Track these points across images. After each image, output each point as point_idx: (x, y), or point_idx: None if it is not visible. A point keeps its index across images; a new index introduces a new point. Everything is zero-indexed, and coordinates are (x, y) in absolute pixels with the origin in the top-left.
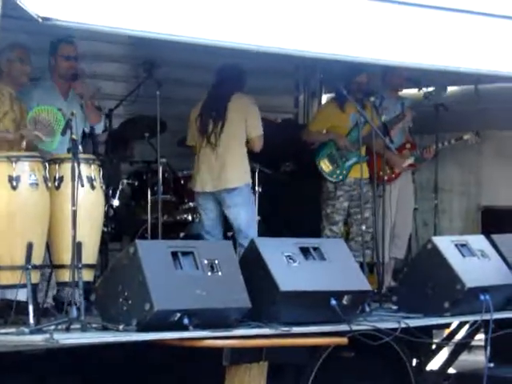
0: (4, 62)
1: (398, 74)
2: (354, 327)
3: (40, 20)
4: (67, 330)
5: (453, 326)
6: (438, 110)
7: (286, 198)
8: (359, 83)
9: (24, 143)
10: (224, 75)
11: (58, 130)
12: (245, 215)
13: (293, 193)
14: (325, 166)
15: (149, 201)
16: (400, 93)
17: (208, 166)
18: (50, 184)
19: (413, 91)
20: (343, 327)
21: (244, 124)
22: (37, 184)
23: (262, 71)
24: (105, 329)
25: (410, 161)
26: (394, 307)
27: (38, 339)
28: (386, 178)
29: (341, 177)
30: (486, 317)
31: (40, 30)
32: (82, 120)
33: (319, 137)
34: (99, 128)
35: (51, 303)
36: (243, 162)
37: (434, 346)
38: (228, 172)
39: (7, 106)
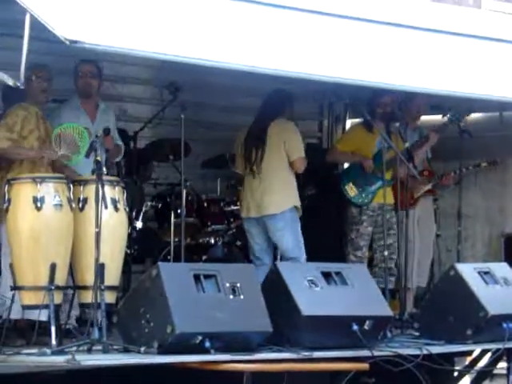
0: (26, 81)
1: (415, 103)
2: (376, 353)
3: (67, 43)
4: (89, 351)
5: (475, 354)
6: (462, 137)
7: (308, 223)
8: (383, 104)
9: (45, 162)
10: (266, 101)
11: (82, 147)
12: (289, 238)
13: (316, 217)
14: (350, 190)
15: (172, 223)
16: (420, 122)
17: (251, 192)
18: (74, 205)
19: (437, 118)
20: (365, 353)
21: (284, 148)
22: (61, 205)
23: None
24: (126, 351)
25: (428, 187)
26: (416, 333)
27: (60, 360)
28: (407, 204)
29: (366, 200)
30: (509, 345)
31: (66, 52)
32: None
33: (345, 157)
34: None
35: (73, 324)
36: (286, 186)
37: (455, 374)
38: (269, 198)
39: (33, 124)
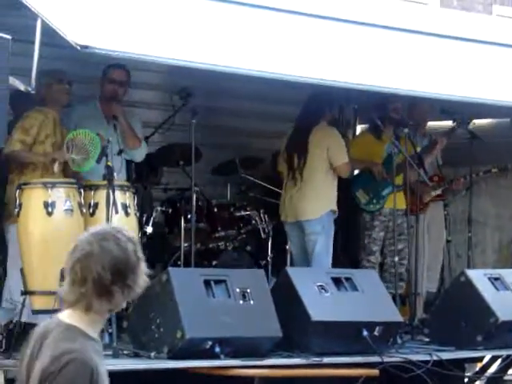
0: (43, 87)
1: (423, 110)
2: (386, 359)
3: (78, 48)
4: None
5: (485, 360)
6: (472, 143)
7: None
8: (394, 110)
9: (56, 166)
10: (305, 106)
11: (93, 154)
12: (321, 243)
13: None
14: (361, 196)
15: (182, 228)
16: (432, 125)
17: (290, 196)
18: (84, 210)
19: (445, 123)
20: (375, 358)
21: (326, 154)
22: (72, 210)
23: (296, 100)
24: (136, 356)
25: (437, 192)
26: (426, 339)
27: None
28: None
29: (377, 206)
30: None
31: (77, 58)
32: (116, 143)
33: (355, 164)
34: (140, 156)
35: None
36: (324, 191)
37: (466, 380)
38: (306, 203)
39: (50, 129)
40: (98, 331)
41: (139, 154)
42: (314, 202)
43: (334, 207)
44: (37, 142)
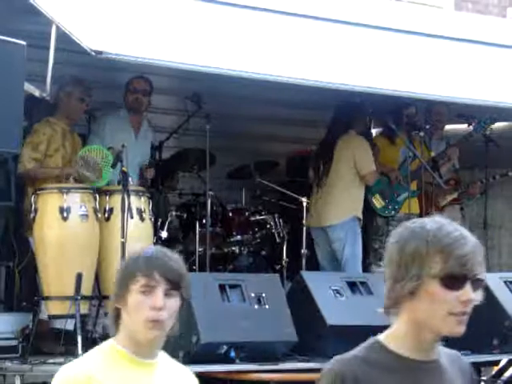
0: (63, 95)
1: (440, 113)
2: None
3: (93, 53)
4: None
5: (502, 363)
6: (487, 146)
7: None
8: (408, 116)
9: (71, 180)
10: (335, 114)
11: (106, 171)
12: (348, 249)
13: None
14: (377, 201)
15: (197, 233)
16: (449, 128)
17: (315, 202)
18: (99, 215)
19: (462, 126)
20: None
21: (352, 162)
22: (87, 215)
23: (309, 105)
24: None
25: (453, 196)
26: (441, 343)
27: None
28: (428, 212)
29: (393, 212)
30: None
31: (92, 63)
32: (145, 155)
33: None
34: None
35: (100, 333)
36: (348, 198)
37: None
38: (329, 209)
39: (58, 143)
40: None
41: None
42: (336, 208)
43: (358, 214)
44: (46, 156)
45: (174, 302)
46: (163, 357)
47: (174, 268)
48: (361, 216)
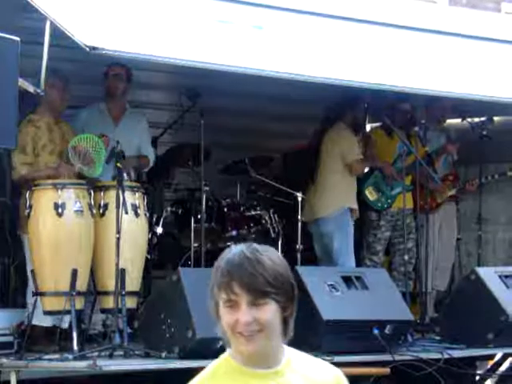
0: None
1: (440, 106)
2: (397, 357)
3: (88, 49)
4: (110, 356)
5: (497, 358)
6: (482, 141)
7: None
8: (403, 112)
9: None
10: (326, 107)
11: (98, 159)
12: (337, 241)
13: None
14: (370, 194)
15: (192, 229)
16: (445, 124)
17: (309, 196)
18: (94, 211)
19: (458, 121)
20: (386, 357)
21: (339, 154)
22: (82, 211)
23: (306, 100)
24: (147, 356)
25: (452, 192)
26: (437, 337)
27: (82, 365)
28: (426, 207)
29: (385, 205)
30: None
31: (86, 59)
32: (131, 147)
33: (366, 162)
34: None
35: (99, 329)
36: (337, 190)
37: (477, 378)
38: (320, 202)
39: (44, 138)
40: None
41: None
42: (326, 201)
43: (351, 205)
44: (35, 155)
45: (268, 311)
46: (297, 360)
47: (257, 275)
48: (355, 206)
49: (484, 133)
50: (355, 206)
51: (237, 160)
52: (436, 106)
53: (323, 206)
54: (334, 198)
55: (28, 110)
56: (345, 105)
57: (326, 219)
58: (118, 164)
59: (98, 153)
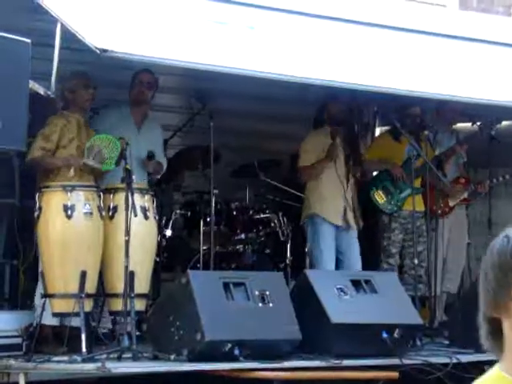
0: (67, 91)
1: (451, 108)
2: (406, 361)
3: (98, 52)
4: (119, 358)
5: None
6: (491, 144)
7: None
8: (413, 116)
9: (72, 171)
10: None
11: (112, 157)
12: (310, 250)
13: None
14: (379, 197)
15: (201, 231)
16: (455, 127)
17: None
18: (103, 213)
19: (467, 125)
20: (394, 361)
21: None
22: (91, 213)
23: (315, 102)
24: (156, 358)
25: (464, 195)
26: (446, 342)
27: (90, 367)
28: (439, 211)
29: (395, 208)
30: None
31: (97, 62)
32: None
33: (374, 165)
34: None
35: (108, 330)
36: (307, 196)
37: None
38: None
39: (74, 132)
40: None
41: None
42: (303, 206)
43: (319, 212)
44: (60, 146)
45: None
46: None
47: None
48: (325, 215)
49: (493, 133)
50: (326, 215)
51: (246, 163)
52: (447, 109)
53: (303, 211)
54: (306, 204)
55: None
56: (322, 106)
57: (303, 225)
58: (127, 166)
59: (110, 152)
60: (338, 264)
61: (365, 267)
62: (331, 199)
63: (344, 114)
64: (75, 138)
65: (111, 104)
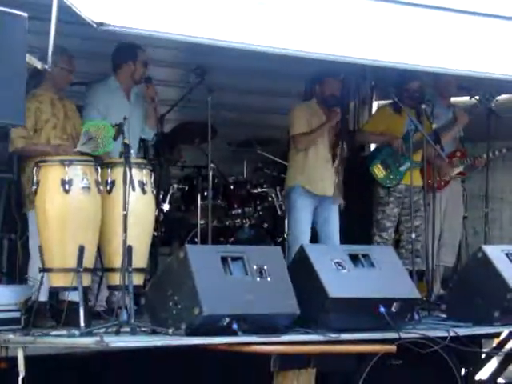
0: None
1: (448, 82)
2: (403, 335)
3: (95, 25)
4: (117, 333)
5: (503, 336)
6: (489, 118)
7: None
8: (411, 90)
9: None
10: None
11: (106, 145)
12: (288, 220)
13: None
14: (378, 171)
15: (199, 206)
16: (452, 100)
17: None
18: (101, 188)
19: (465, 99)
20: (392, 335)
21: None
22: (89, 188)
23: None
24: (154, 332)
25: (460, 169)
26: (443, 315)
27: (88, 342)
28: (435, 185)
29: (394, 182)
30: None
31: (94, 35)
32: (140, 123)
33: (374, 138)
34: (150, 134)
35: (104, 306)
36: (291, 167)
37: (483, 356)
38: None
39: (48, 113)
40: None
41: (151, 132)
42: (285, 178)
43: (301, 183)
44: (37, 129)
45: None
46: None
47: None
48: (307, 185)
49: (492, 105)
50: (308, 185)
51: (244, 137)
52: (441, 82)
53: (286, 183)
54: (288, 176)
55: (31, 87)
56: (314, 80)
57: (285, 196)
58: (126, 141)
59: (105, 137)
60: (317, 237)
61: (356, 241)
62: (314, 170)
63: (336, 97)
64: (50, 117)
65: (98, 78)
